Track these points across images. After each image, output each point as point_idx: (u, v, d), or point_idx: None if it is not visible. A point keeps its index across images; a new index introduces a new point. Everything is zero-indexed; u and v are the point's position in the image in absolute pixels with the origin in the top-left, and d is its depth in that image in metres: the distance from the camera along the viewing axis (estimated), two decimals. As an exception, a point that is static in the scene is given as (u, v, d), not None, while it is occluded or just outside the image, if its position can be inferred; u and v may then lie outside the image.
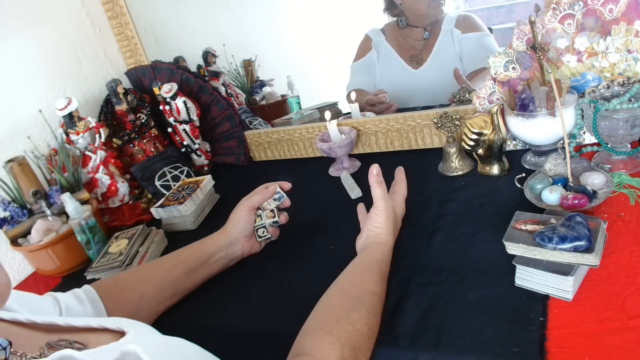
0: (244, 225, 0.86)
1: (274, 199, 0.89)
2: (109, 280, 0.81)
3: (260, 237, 0.89)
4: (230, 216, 0.88)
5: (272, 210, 0.88)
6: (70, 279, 1.05)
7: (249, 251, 0.89)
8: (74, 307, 0.69)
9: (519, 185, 0.83)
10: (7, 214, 1.03)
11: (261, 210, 0.89)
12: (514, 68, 0.89)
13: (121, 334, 0.46)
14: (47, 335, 0.47)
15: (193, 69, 1.35)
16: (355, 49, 1.36)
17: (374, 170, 0.78)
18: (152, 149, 1.27)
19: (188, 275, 0.82)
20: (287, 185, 0.91)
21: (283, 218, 0.89)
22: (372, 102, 1.24)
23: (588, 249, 0.60)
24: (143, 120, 1.25)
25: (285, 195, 0.90)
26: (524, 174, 0.85)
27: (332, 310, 0.63)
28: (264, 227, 0.88)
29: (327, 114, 1.08)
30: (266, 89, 1.48)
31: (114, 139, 1.24)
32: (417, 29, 1.28)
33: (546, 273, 0.61)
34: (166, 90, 1.23)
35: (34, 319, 0.49)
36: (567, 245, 0.61)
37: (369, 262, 0.72)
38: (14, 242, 1.04)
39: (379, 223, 0.77)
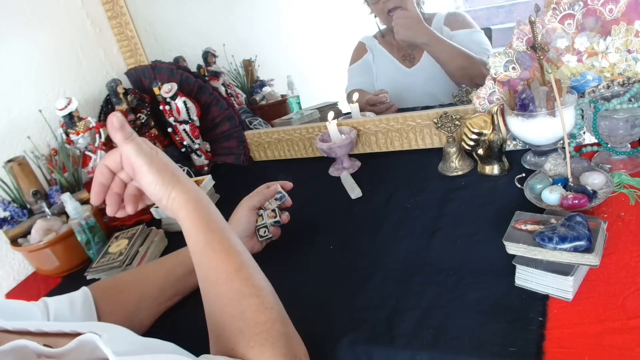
0: (245, 225, 0.86)
1: (276, 199, 0.89)
2: (109, 281, 0.80)
3: (261, 237, 0.89)
4: (231, 216, 0.88)
5: (273, 210, 0.88)
6: (70, 279, 1.05)
7: (250, 251, 0.88)
8: (64, 312, 0.68)
9: (519, 185, 0.83)
10: (7, 214, 1.03)
11: (262, 210, 0.89)
12: (514, 68, 0.89)
13: None
14: (15, 339, 0.47)
15: (193, 69, 1.35)
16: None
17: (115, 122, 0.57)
18: (152, 149, 1.27)
19: (189, 275, 0.82)
20: (289, 185, 0.91)
21: (284, 218, 0.89)
22: (373, 102, 1.24)
23: (588, 249, 0.60)
24: (143, 120, 1.25)
25: (286, 195, 0.90)
26: (524, 174, 0.85)
27: (224, 323, 0.56)
28: (266, 227, 0.88)
29: (330, 114, 1.08)
30: (266, 89, 1.48)
31: (114, 139, 1.24)
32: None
33: (546, 273, 0.61)
34: (166, 90, 1.23)
35: (6, 326, 0.49)
36: (567, 245, 0.61)
37: (191, 241, 0.60)
38: (14, 242, 1.04)
39: (153, 183, 0.59)
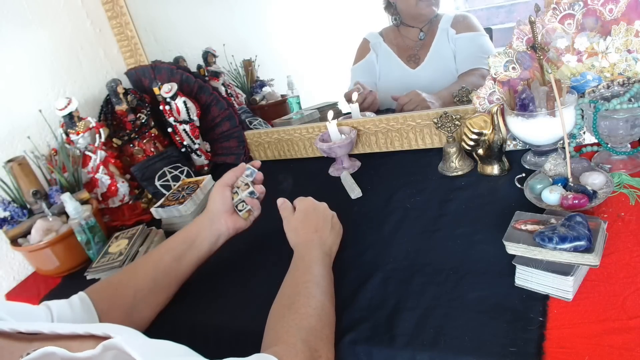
0: (220, 200, 0.88)
1: (246, 175, 0.92)
2: (102, 282, 0.81)
3: (240, 210, 0.90)
4: (208, 198, 0.90)
5: (246, 184, 0.90)
6: (70, 279, 1.05)
7: (234, 227, 0.89)
8: (66, 315, 0.69)
9: (519, 185, 0.83)
10: (7, 214, 1.03)
11: (236, 188, 0.91)
12: (514, 68, 0.89)
13: (107, 339, 0.46)
14: (29, 345, 0.47)
15: (193, 69, 1.35)
16: (355, 50, 1.36)
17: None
18: (152, 149, 1.27)
19: (177, 262, 0.83)
20: (257, 163, 0.95)
21: (258, 188, 0.91)
22: (348, 97, 1.24)
23: (588, 249, 0.60)
24: (143, 120, 1.25)
25: (256, 171, 0.93)
26: (524, 174, 0.85)
27: (276, 310, 0.69)
28: (243, 201, 0.90)
29: (330, 114, 1.08)
30: (266, 89, 1.48)
31: (114, 139, 1.24)
32: (412, 29, 1.28)
33: (546, 273, 0.61)
34: (166, 90, 1.23)
35: (19, 328, 0.49)
36: (567, 245, 0.61)
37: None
38: (14, 242, 1.04)
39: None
